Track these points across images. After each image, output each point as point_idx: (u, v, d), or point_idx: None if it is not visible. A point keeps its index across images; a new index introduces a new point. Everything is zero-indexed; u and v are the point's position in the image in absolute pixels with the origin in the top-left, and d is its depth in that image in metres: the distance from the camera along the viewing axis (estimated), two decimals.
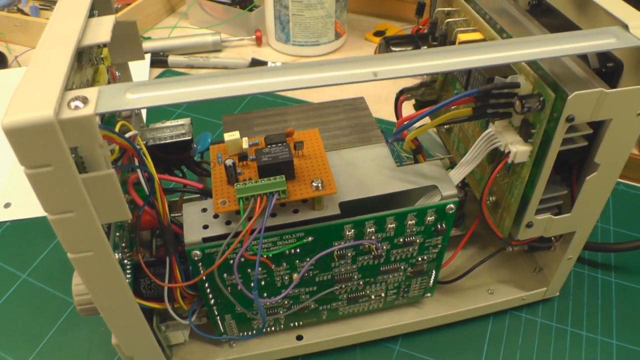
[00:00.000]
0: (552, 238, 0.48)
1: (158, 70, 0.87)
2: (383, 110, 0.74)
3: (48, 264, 0.58)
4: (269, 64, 0.86)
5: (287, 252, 0.39)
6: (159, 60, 0.87)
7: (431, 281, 0.48)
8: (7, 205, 0.64)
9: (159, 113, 0.77)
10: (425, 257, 0.44)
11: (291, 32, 0.87)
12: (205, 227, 0.38)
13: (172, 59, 0.87)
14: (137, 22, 0.44)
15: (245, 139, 0.39)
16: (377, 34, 0.95)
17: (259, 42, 0.92)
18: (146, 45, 0.88)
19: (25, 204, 0.63)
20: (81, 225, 0.31)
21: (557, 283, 0.52)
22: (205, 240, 0.37)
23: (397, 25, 0.97)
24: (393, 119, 0.70)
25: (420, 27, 0.49)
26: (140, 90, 0.29)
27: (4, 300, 0.55)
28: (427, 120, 0.40)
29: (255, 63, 0.86)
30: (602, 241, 0.61)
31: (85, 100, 0.28)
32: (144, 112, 0.77)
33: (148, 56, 0.86)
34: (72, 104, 0.28)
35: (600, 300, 0.55)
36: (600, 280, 0.57)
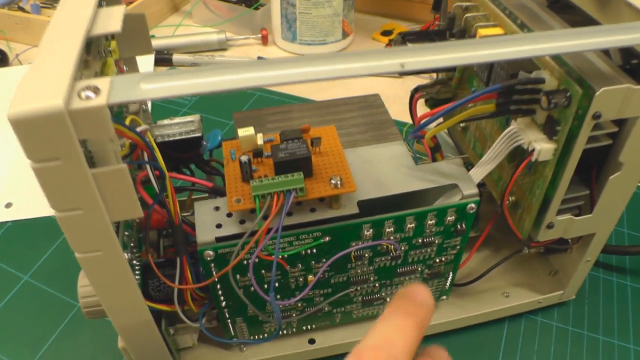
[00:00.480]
0: (569, 240, 0.47)
1: (162, 69, 0.85)
2: (392, 109, 0.72)
3: (50, 266, 0.57)
4: None
5: (303, 252, 0.38)
6: (163, 58, 0.86)
7: (447, 283, 0.46)
8: (8, 205, 0.62)
9: (164, 112, 0.76)
10: (443, 259, 0.43)
11: (298, 30, 0.86)
12: (219, 226, 0.36)
13: (176, 57, 0.85)
14: None
15: (260, 135, 0.38)
16: (385, 33, 0.94)
17: (264, 40, 0.91)
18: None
19: (27, 204, 0.62)
20: (90, 223, 0.30)
21: (574, 286, 0.51)
22: (218, 239, 0.36)
23: (405, 25, 0.96)
24: (402, 118, 0.69)
25: (436, 22, 0.48)
26: (155, 80, 0.28)
27: (5, 303, 0.53)
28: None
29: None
30: (616, 244, 0.59)
31: (96, 90, 0.27)
32: (147, 103, 0.76)
33: (152, 54, 0.85)
34: (83, 94, 0.26)
35: (616, 304, 0.54)
36: (615, 284, 0.56)
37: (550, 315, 0.53)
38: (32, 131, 0.25)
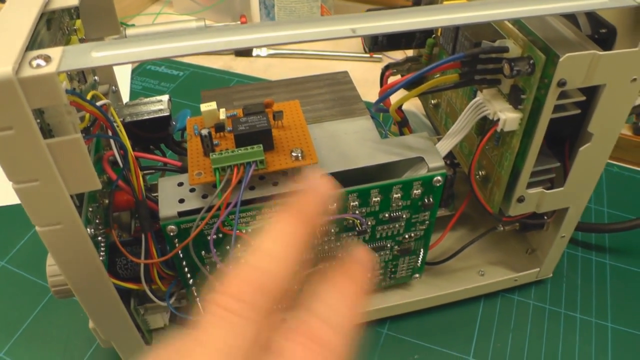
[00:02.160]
0: (545, 216, 0.47)
1: None
2: (370, 93, 0.72)
3: (27, 251, 0.57)
4: (254, 50, 0.84)
5: None
6: None
7: (419, 261, 0.46)
8: None
9: (142, 94, 0.75)
10: (412, 234, 0.43)
11: (276, 16, 0.85)
12: (181, 201, 0.36)
13: None
14: (122, 9, 0.42)
15: (222, 110, 0.37)
16: None
17: None
18: (130, 32, 0.85)
19: (3, 191, 0.61)
20: (48, 195, 0.30)
21: (550, 263, 0.51)
22: (180, 214, 0.36)
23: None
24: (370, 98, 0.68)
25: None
26: (106, 48, 0.28)
27: None
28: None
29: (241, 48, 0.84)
30: (596, 222, 0.59)
31: (47, 59, 0.27)
32: (126, 93, 0.75)
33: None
34: (34, 62, 0.26)
35: (594, 282, 0.54)
36: (594, 262, 0.55)
37: (527, 293, 0.52)
38: None
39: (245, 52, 0.84)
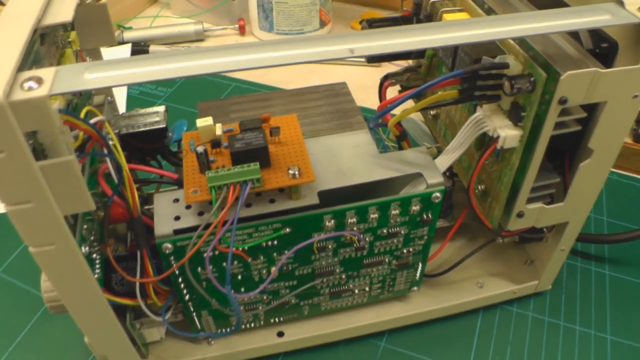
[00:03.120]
0: (544, 229, 0.46)
1: None
2: (369, 99, 0.72)
3: (23, 260, 0.56)
4: None
5: (264, 244, 0.37)
6: (140, 50, 0.84)
7: (417, 274, 0.46)
8: None
9: (140, 104, 0.75)
10: (410, 249, 0.42)
11: (275, 20, 0.84)
12: (177, 218, 0.36)
13: (153, 48, 0.84)
14: (119, 12, 0.42)
15: (219, 125, 0.37)
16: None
17: (242, 31, 0.90)
18: (127, 35, 0.85)
19: None
20: (41, 217, 0.29)
21: (549, 276, 0.50)
22: (176, 232, 0.35)
23: (384, 13, 0.95)
24: (368, 105, 0.68)
25: (405, 9, 0.47)
26: (100, 69, 0.27)
27: None
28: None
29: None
30: (595, 232, 0.59)
31: (39, 81, 0.26)
32: (122, 103, 0.75)
33: (129, 46, 0.84)
34: (26, 85, 0.26)
35: (593, 293, 0.53)
36: (593, 273, 0.55)
37: (526, 305, 0.52)
38: None
39: None
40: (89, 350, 0.44)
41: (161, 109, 0.44)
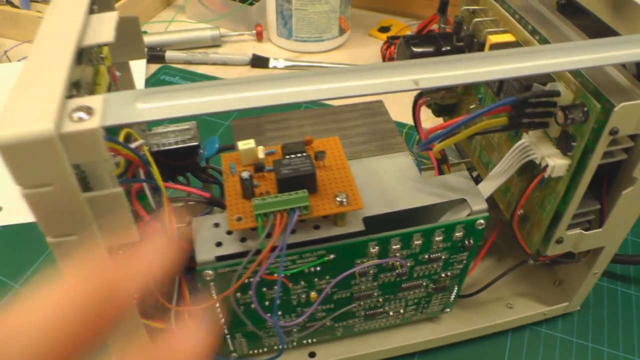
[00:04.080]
0: (577, 253, 0.46)
1: (155, 66, 0.83)
2: (391, 110, 0.71)
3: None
4: (271, 60, 0.82)
5: (306, 270, 0.36)
6: (155, 55, 0.83)
7: (452, 296, 0.45)
8: None
9: None
10: (449, 274, 0.42)
11: (294, 27, 0.83)
12: (219, 244, 0.35)
13: (169, 54, 0.83)
14: (133, 15, 0.41)
15: (260, 148, 0.36)
16: (382, 29, 0.92)
17: (259, 37, 0.89)
18: (147, 40, 0.84)
19: (18, 209, 0.60)
20: (84, 249, 0.28)
21: (580, 298, 0.50)
22: (218, 259, 0.34)
23: (402, 21, 0.94)
24: (401, 119, 0.67)
25: (442, 25, 0.47)
26: (152, 99, 0.26)
27: None
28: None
29: (256, 59, 0.83)
30: (620, 252, 0.58)
31: (89, 111, 0.25)
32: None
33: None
34: (75, 116, 0.24)
35: (620, 314, 0.53)
36: (620, 293, 0.54)
37: (555, 326, 0.51)
38: (21, 157, 0.23)
39: (262, 64, 0.82)
40: None
41: (192, 125, 0.43)
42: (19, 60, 0.83)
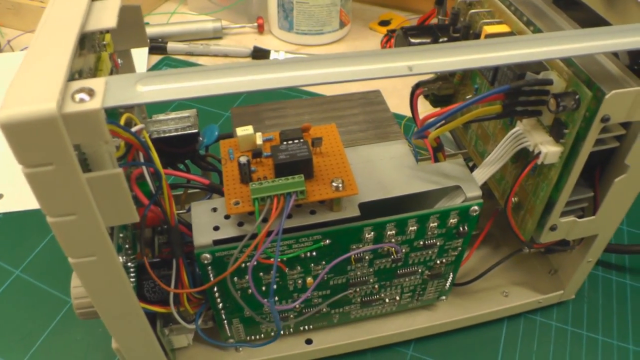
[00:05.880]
0: (571, 240, 0.46)
1: (156, 57, 0.84)
2: (389, 102, 0.72)
3: (43, 259, 0.56)
4: (272, 53, 0.83)
5: (303, 255, 0.37)
6: (157, 46, 0.84)
7: (447, 284, 0.46)
8: None
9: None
10: (444, 260, 0.42)
11: (295, 20, 0.84)
12: (216, 228, 0.35)
13: (171, 45, 0.84)
14: None
15: (259, 134, 0.37)
16: (382, 23, 0.92)
17: (260, 29, 0.89)
18: (149, 31, 0.85)
19: (19, 196, 0.60)
20: (84, 229, 0.29)
21: (574, 286, 0.50)
22: (216, 242, 0.35)
23: (402, 15, 0.95)
24: (399, 110, 0.67)
25: (439, 17, 0.47)
26: (153, 81, 0.27)
27: None
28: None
29: (257, 51, 0.83)
30: (615, 242, 0.59)
31: (91, 93, 0.26)
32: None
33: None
34: (77, 97, 0.25)
35: (615, 303, 0.53)
36: (614, 282, 0.55)
37: (550, 314, 0.52)
38: (23, 136, 0.24)
39: (262, 56, 0.83)
40: (112, 355, 0.43)
41: (192, 112, 0.44)
42: (21, 50, 0.84)
